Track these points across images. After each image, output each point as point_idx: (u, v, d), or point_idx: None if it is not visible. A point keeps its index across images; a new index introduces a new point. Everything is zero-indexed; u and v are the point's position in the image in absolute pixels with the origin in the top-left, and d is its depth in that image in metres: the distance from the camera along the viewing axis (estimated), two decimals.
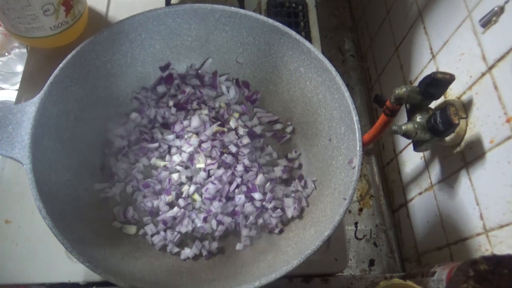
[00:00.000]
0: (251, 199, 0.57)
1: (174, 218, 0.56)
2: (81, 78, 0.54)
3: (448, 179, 0.56)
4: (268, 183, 0.58)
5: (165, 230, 0.56)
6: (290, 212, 0.56)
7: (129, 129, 0.61)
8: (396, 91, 0.49)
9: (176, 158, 0.59)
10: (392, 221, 0.75)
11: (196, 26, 0.59)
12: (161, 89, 0.63)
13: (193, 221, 0.56)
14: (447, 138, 0.52)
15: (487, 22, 0.46)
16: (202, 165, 0.58)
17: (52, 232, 0.43)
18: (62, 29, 0.64)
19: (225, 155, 0.59)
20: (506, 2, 0.44)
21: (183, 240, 0.56)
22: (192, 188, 0.58)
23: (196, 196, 0.58)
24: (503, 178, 0.45)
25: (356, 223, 0.77)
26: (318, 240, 0.45)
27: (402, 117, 0.65)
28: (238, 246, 0.55)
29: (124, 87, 0.61)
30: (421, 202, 0.64)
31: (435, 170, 0.59)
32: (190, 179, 0.59)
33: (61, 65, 0.51)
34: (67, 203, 0.49)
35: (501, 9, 0.44)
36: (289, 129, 0.63)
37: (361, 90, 0.90)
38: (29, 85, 0.67)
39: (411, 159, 0.67)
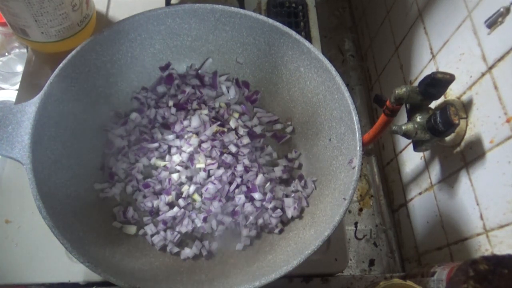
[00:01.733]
0: (251, 199, 0.57)
1: (174, 218, 0.56)
2: (81, 78, 0.54)
3: (448, 179, 0.56)
4: (268, 183, 0.58)
5: (165, 230, 0.56)
6: (290, 212, 0.56)
7: (129, 129, 0.61)
8: (396, 91, 0.49)
9: (176, 158, 0.59)
10: (392, 221, 0.75)
11: (196, 26, 0.59)
12: (161, 89, 0.63)
13: (193, 221, 0.56)
14: (447, 138, 0.52)
15: (493, 23, 0.46)
16: (202, 165, 0.58)
17: (52, 232, 0.43)
18: (85, 23, 0.65)
19: (225, 155, 0.59)
20: None
21: (183, 240, 0.56)
22: (192, 188, 0.58)
23: (196, 196, 0.58)
24: (503, 178, 0.45)
25: (356, 223, 0.77)
26: (318, 240, 0.45)
27: (402, 117, 0.65)
28: (238, 246, 0.55)
29: (124, 87, 0.61)
30: (421, 202, 0.64)
31: (435, 170, 0.59)
32: (190, 179, 0.59)
33: (61, 65, 0.51)
34: (67, 203, 0.49)
35: (507, 10, 0.44)
36: (289, 129, 0.63)
37: (361, 90, 0.90)
38: (29, 85, 0.67)
39: (411, 159, 0.67)
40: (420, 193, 0.65)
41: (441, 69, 0.57)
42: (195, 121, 0.60)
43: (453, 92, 0.54)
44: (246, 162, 0.59)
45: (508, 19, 0.44)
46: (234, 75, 0.65)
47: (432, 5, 0.60)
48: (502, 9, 0.45)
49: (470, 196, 0.50)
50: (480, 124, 0.48)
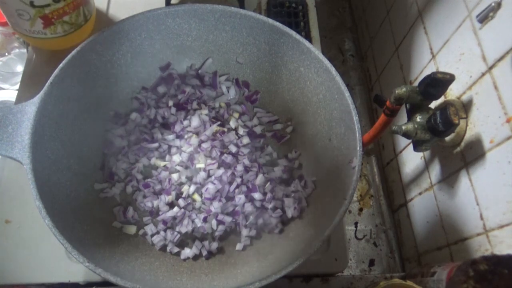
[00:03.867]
0: (251, 199, 0.57)
1: (174, 218, 0.56)
2: (81, 78, 0.54)
3: (448, 179, 0.56)
4: (268, 183, 0.58)
5: (165, 230, 0.56)
6: (290, 212, 0.56)
7: (129, 129, 0.61)
8: (396, 91, 0.49)
9: (176, 158, 0.59)
10: (392, 221, 0.75)
11: (196, 26, 0.59)
12: (161, 89, 0.63)
13: (193, 221, 0.56)
14: (447, 138, 0.52)
15: (484, 17, 0.46)
16: (202, 165, 0.58)
17: (52, 232, 0.43)
18: (39, 37, 0.63)
19: (225, 155, 0.59)
20: None
21: (183, 240, 0.56)
22: (192, 188, 0.58)
23: (196, 196, 0.58)
24: (503, 178, 0.45)
25: (356, 223, 0.77)
26: (318, 240, 0.45)
27: (402, 117, 0.65)
28: (238, 246, 0.55)
29: (124, 87, 0.61)
30: (421, 202, 0.64)
31: (435, 170, 0.59)
32: (190, 179, 0.59)
33: (61, 65, 0.51)
34: (67, 203, 0.49)
35: (498, 5, 0.44)
36: (289, 129, 0.63)
37: (361, 90, 0.90)
38: (29, 85, 0.67)
39: (411, 159, 0.67)
40: (420, 193, 0.64)
41: (441, 69, 0.57)
42: (195, 121, 0.60)
43: (453, 92, 0.54)
44: (246, 162, 0.59)
45: (499, 14, 0.44)
46: (234, 75, 0.65)
47: (432, 5, 0.60)
48: (493, 4, 0.45)
49: (470, 196, 0.50)
50: (480, 124, 0.48)
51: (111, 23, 0.61)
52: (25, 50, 0.84)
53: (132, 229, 0.56)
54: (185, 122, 0.61)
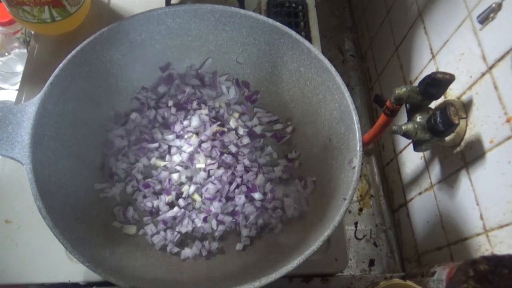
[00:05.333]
0: (251, 199, 0.57)
1: (174, 218, 0.56)
2: (81, 78, 0.54)
3: (448, 179, 0.56)
4: (268, 183, 0.58)
5: (165, 230, 0.56)
6: (290, 212, 0.56)
7: (129, 129, 0.61)
8: (396, 91, 0.49)
9: (176, 158, 0.59)
10: (392, 221, 0.75)
11: (196, 26, 0.59)
12: (161, 89, 0.63)
13: (193, 221, 0.56)
14: (447, 138, 0.52)
15: (485, 18, 0.46)
16: (202, 165, 0.58)
17: (52, 232, 0.43)
18: (17, 16, 0.64)
19: (225, 155, 0.59)
20: None
21: (183, 240, 0.56)
22: (192, 188, 0.58)
23: (196, 196, 0.58)
24: (503, 178, 0.45)
25: (356, 223, 0.77)
26: (318, 240, 0.45)
27: (402, 117, 0.65)
28: (238, 246, 0.55)
29: (124, 87, 0.61)
30: (421, 202, 0.64)
31: (435, 170, 0.59)
32: (190, 179, 0.59)
33: (61, 65, 0.51)
34: (67, 203, 0.49)
35: (499, 6, 0.44)
36: (289, 129, 0.63)
37: (361, 90, 0.90)
38: (29, 85, 0.67)
39: (411, 159, 0.67)
40: (420, 193, 0.64)
41: (441, 69, 0.57)
42: (195, 121, 0.60)
43: (453, 92, 0.54)
44: (246, 162, 0.59)
45: (500, 15, 0.45)
46: (234, 75, 0.65)
47: (432, 5, 0.60)
48: (493, 5, 0.45)
49: (470, 196, 0.50)
50: (480, 124, 0.48)
51: (113, 10, 0.60)
52: (25, 50, 0.84)
53: (132, 229, 0.56)
54: (185, 122, 0.61)
